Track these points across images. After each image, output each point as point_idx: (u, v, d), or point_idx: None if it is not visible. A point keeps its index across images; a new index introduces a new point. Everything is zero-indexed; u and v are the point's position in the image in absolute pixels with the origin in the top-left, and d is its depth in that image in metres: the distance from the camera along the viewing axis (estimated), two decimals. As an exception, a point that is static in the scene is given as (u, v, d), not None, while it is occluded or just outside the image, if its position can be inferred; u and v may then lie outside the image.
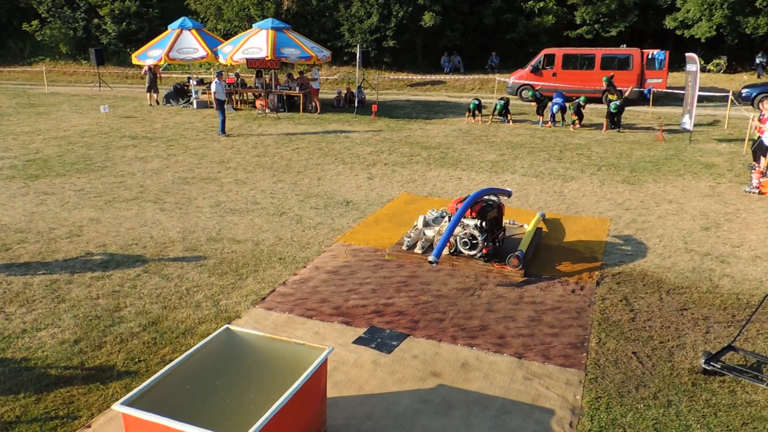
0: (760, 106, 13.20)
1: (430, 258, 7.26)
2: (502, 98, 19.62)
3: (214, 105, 17.85)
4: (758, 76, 24.90)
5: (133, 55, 23.17)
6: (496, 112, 19.09)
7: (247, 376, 4.62)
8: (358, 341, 5.92)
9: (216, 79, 17.31)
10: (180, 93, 22.94)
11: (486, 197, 8.23)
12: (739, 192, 11.19)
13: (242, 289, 7.12)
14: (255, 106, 21.49)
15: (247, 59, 20.28)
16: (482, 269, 7.64)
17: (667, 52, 22.38)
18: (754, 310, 6.11)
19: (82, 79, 32.04)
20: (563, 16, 28.12)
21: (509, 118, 19.16)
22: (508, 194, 9.07)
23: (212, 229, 9.17)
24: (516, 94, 24.11)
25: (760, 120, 12.21)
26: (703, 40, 24.97)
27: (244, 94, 22.93)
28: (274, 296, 6.94)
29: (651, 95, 20.76)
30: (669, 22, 25.63)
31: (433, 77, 29.17)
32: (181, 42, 22.05)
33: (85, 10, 34.08)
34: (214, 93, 17.20)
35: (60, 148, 14.90)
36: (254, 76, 22.74)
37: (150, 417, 3.66)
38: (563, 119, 18.84)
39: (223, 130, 16.86)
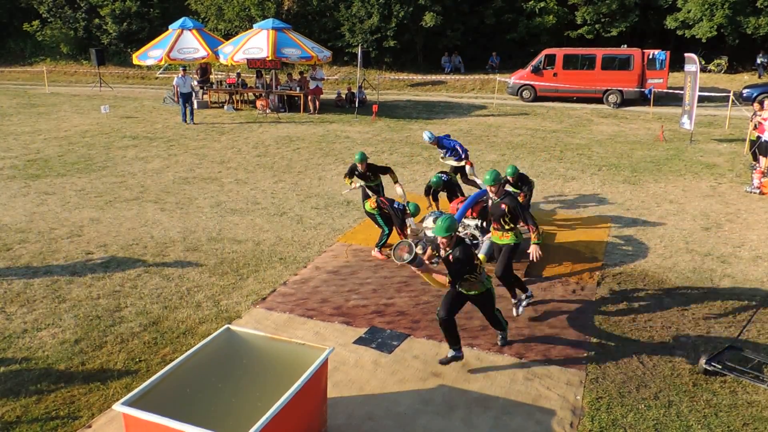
0: (754, 105, 13.18)
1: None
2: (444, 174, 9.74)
3: (175, 97, 19.97)
4: (759, 77, 24.87)
5: (133, 55, 23.14)
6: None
7: (248, 376, 4.61)
8: (359, 341, 5.92)
9: (179, 74, 19.05)
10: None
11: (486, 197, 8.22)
12: (740, 192, 11.18)
13: (243, 289, 7.12)
14: (255, 107, 21.48)
15: (247, 59, 20.26)
16: (483, 269, 7.63)
17: (668, 52, 22.35)
18: (755, 311, 6.10)
19: (82, 80, 32.04)
20: (564, 16, 28.10)
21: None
22: None
23: (213, 229, 9.16)
24: (517, 95, 24.10)
25: (758, 116, 12.18)
26: (704, 40, 24.94)
27: (245, 95, 22.93)
28: (275, 296, 6.94)
29: (652, 95, 20.76)
30: (670, 22, 25.60)
31: (434, 77, 29.15)
32: (182, 42, 22.02)
33: (85, 10, 34.06)
34: (176, 86, 18.95)
35: (61, 148, 14.90)
36: (255, 76, 22.74)
37: (150, 417, 3.66)
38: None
39: (184, 120, 18.52)
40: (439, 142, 10.10)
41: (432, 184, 9.23)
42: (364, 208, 8.27)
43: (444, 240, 5.13)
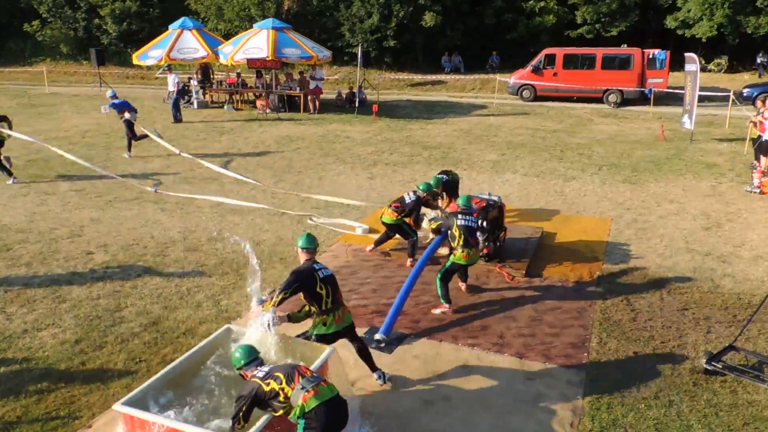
0: (757, 104, 13.15)
1: (377, 336, 5.91)
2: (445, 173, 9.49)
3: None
4: (759, 76, 24.87)
5: (133, 56, 23.16)
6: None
7: (248, 376, 4.61)
8: (359, 341, 5.91)
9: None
10: (180, 93, 22.90)
11: (486, 197, 8.24)
12: (740, 192, 11.18)
13: (243, 289, 7.09)
14: (255, 107, 21.48)
15: (247, 59, 20.26)
16: (483, 269, 7.63)
17: (668, 51, 22.34)
18: (755, 310, 6.10)
19: (82, 80, 32.02)
20: (564, 16, 28.10)
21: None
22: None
23: (213, 229, 9.16)
24: (517, 94, 24.10)
25: (760, 115, 12.16)
26: (704, 40, 24.93)
27: (245, 95, 22.94)
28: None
29: (652, 95, 20.76)
30: (670, 22, 25.60)
31: (434, 77, 29.15)
32: (182, 42, 22.03)
33: (85, 11, 34.06)
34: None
35: (61, 149, 14.88)
36: (255, 76, 22.74)
37: (150, 417, 3.67)
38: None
39: (175, 119, 19.01)
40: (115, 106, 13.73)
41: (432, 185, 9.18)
42: (382, 221, 7.96)
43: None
